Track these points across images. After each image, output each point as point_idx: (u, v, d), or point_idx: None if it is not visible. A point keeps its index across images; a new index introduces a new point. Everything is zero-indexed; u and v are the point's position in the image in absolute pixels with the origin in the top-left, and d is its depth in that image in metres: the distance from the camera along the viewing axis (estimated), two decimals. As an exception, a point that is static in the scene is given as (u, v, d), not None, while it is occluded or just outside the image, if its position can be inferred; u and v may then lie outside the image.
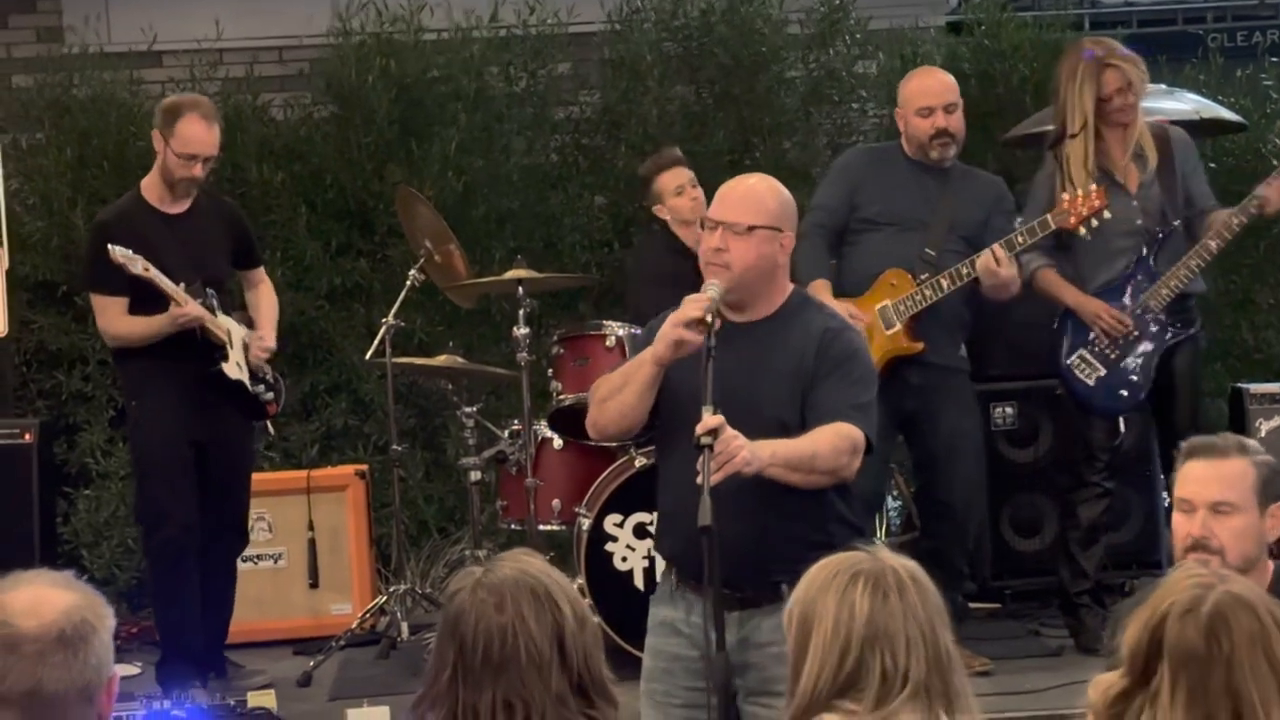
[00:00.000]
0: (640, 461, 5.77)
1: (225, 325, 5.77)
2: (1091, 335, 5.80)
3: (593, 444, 5.83)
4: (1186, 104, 7.00)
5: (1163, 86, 7.12)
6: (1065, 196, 5.64)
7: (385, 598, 6.46)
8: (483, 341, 7.45)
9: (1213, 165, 6.92)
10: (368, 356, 6.57)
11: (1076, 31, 8.17)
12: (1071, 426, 6.13)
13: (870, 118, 7.92)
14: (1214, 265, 7.24)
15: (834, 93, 7.92)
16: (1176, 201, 5.77)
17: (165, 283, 5.56)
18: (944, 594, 5.50)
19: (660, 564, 4.23)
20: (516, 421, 6.22)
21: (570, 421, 5.88)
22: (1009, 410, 6.69)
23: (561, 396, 6.04)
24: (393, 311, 6.44)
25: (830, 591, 2.58)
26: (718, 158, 7.28)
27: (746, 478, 3.62)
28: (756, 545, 3.48)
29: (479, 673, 2.48)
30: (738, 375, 3.78)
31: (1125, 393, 5.80)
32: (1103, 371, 5.80)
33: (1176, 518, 3.47)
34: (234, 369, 5.75)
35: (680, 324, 3.76)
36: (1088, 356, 5.82)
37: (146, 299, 5.62)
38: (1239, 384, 6.88)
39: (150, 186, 5.79)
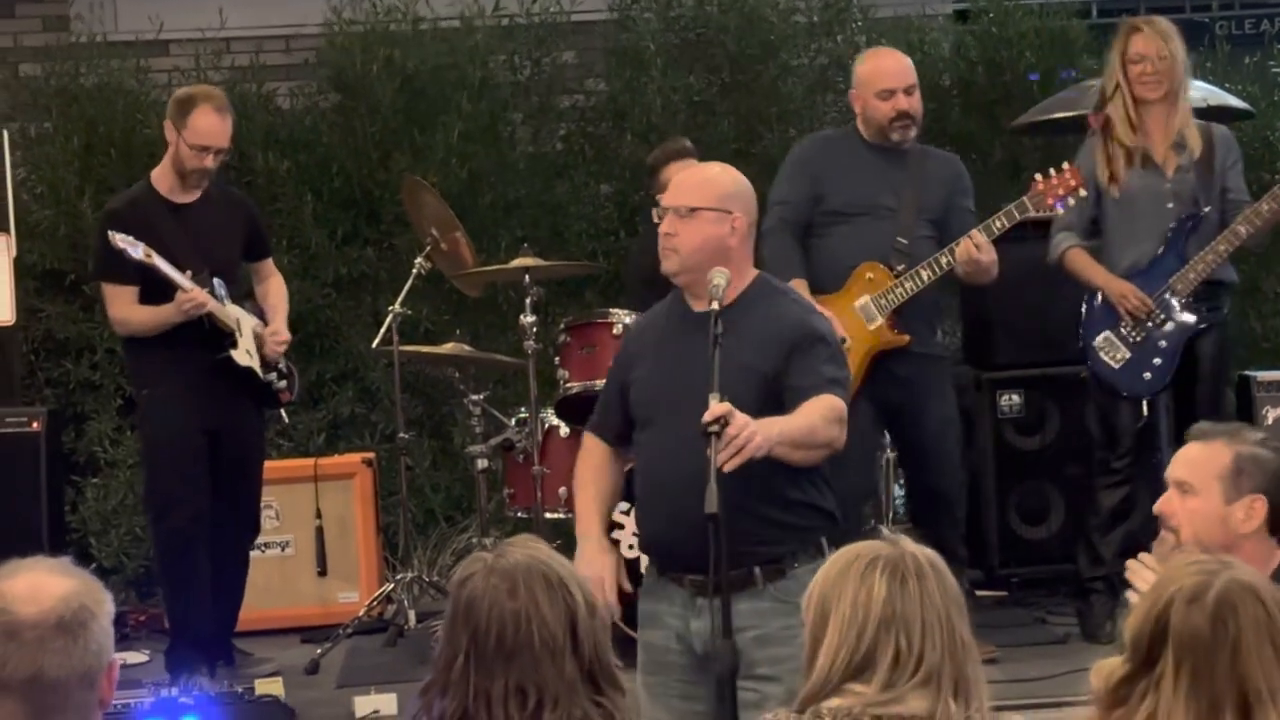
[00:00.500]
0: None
1: (234, 314, 5.77)
2: (1118, 317, 5.77)
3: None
4: (1194, 91, 6.94)
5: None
6: (1038, 178, 5.60)
7: (392, 586, 6.47)
8: (489, 330, 7.45)
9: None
10: (374, 345, 6.58)
11: (1083, 19, 8.16)
12: (1086, 412, 6.13)
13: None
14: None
15: (840, 81, 7.91)
16: (1211, 191, 5.72)
17: (168, 269, 5.56)
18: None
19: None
20: (523, 409, 6.23)
21: (577, 409, 5.88)
22: (1016, 398, 6.69)
23: (568, 384, 6.04)
24: (399, 300, 6.45)
25: (849, 576, 2.59)
26: (723, 146, 7.27)
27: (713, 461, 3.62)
28: (729, 531, 3.48)
29: (491, 659, 2.48)
30: (693, 363, 3.80)
31: (1149, 376, 5.76)
32: (1128, 354, 5.76)
33: None
34: (243, 356, 5.75)
35: None
36: (1113, 338, 5.78)
37: (156, 289, 5.63)
38: (1246, 372, 6.87)
39: (161, 176, 5.80)
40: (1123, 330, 5.76)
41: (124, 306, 5.71)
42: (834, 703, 2.55)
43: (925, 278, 5.59)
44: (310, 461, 6.86)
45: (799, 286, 5.49)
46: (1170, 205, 5.72)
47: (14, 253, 6.71)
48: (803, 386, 3.84)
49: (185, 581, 5.73)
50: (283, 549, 6.77)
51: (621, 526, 5.79)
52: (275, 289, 6.05)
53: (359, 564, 6.81)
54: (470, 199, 7.44)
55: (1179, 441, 5.70)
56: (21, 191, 7.47)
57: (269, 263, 6.11)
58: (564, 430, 6.10)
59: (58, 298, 7.50)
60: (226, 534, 5.83)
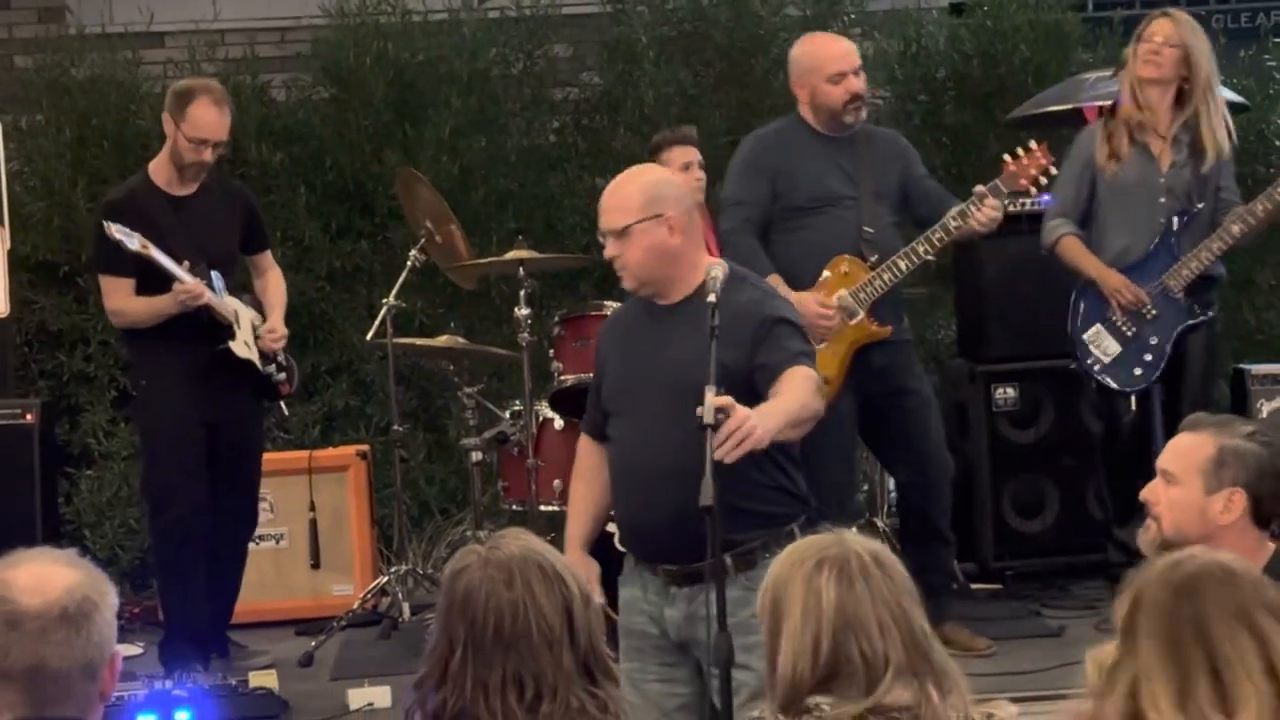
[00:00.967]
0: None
1: (231, 305, 5.77)
2: (1109, 310, 5.76)
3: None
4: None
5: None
6: (1008, 159, 5.57)
7: (387, 578, 6.47)
8: (484, 322, 7.45)
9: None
10: (369, 337, 6.57)
11: (1079, 13, 8.16)
12: (1077, 406, 6.13)
13: (869, 98, 7.87)
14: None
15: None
16: (1205, 188, 5.72)
17: (165, 260, 5.56)
18: (940, 561, 5.58)
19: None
20: (518, 402, 6.22)
21: (571, 402, 5.87)
22: (1010, 391, 6.68)
23: (563, 377, 6.03)
24: (393, 292, 6.44)
25: (796, 579, 2.59)
26: (716, 138, 7.27)
27: (686, 453, 3.63)
28: (700, 520, 3.49)
29: (489, 650, 2.48)
30: (662, 355, 3.88)
31: (1139, 371, 5.76)
32: (1118, 348, 5.76)
33: None
34: (241, 347, 5.75)
35: None
36: (1104, 331, 5.77)
37: (154, 280, 5.62)
38: (1241, 365, 6.88)
39: (159, 169, 5.79)
40: (1114, 324, 5.76)
41: (120, 298, 5.71)
42: (822, 699, 2.55)
43: (904, 268, 5.55)
44: (304, 454, 6.85)
45: (773, 283, 5.48)
46: (1163, 200, 5.72)
47: (7, 245, 6.70)
48: (772, 363, 3.88)
49: (181, 574, 5.72)
50: (277, 541, 6.76)
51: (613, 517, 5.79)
52: (273, 283, 6.04)
53: (353, 557, 6.81)
54: (464, 192, 7.43)
55: (1172, 434, 5.76)
56: (14, 183, 7.46)
57: (268, 255, 6.10)
58: (558, 423, 6.09)
59: (51, 289, 7.50)
60: (223, 526, 5.82)
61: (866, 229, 5.58)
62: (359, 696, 5.41)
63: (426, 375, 7.56)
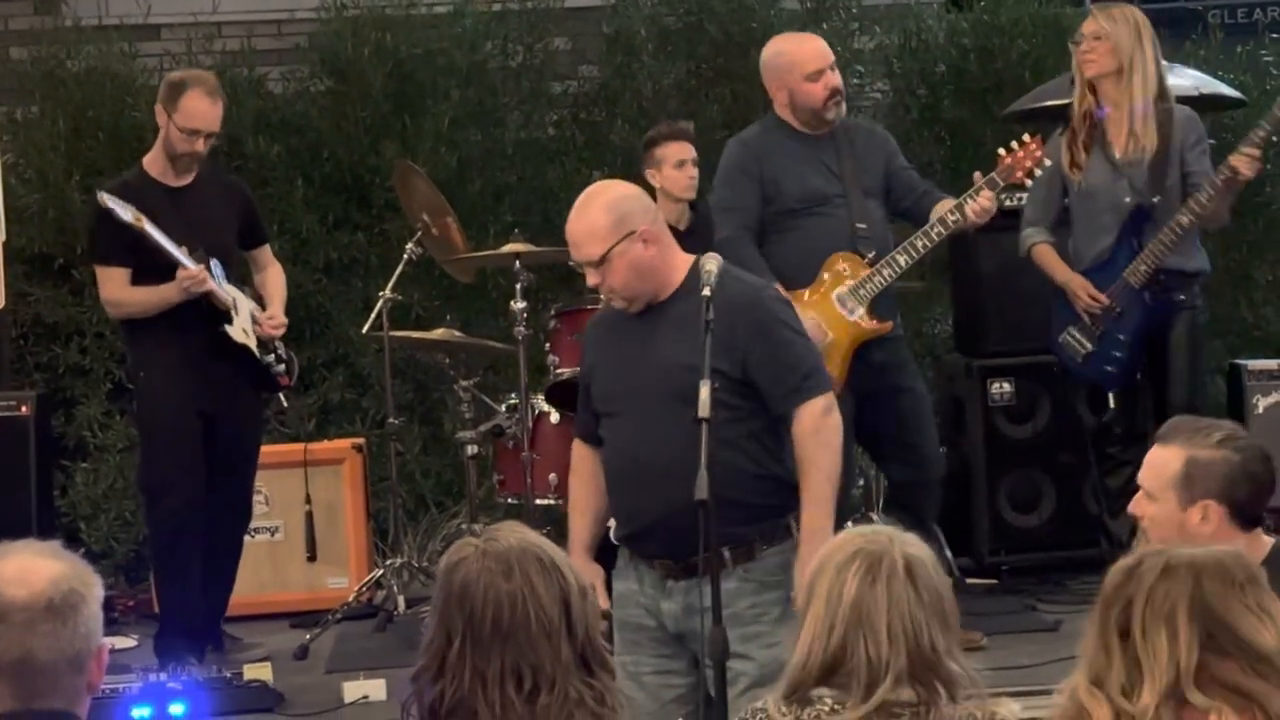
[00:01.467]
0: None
1: (231, 293, 5.76)
2: (1079, 312, 5.81)
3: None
4: (1186, 79, 6.98)
5: (1163, 61, 7.09)
6: (1002, 152, 5.59)
7: (382, 571, 6.46)
8: (480, 315, 7.44)
9: (1211, 141, 6.88)
10: (365, 330, 6.57)
11: (1076, 6, 8.15)
12: (1073, 401, 6.15)
13: (867, 93, 7.89)
14: (1212, 242, 7.26)
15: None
16: (1163, 180, 5.75)
17: (161, 239, 5.55)
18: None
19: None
20: (513, 395, 6.21)
21: (567, 395, 5.86)
22: (1006, 386, 6.68)
23: (558, 370, 6.03)
24: (390, 285, 6.44)
25: (829, 567, 2.61)
26: (713, 132, 7.26)
27: (681, 448, 3.63)
28: (694, 514, 3.50)
29: (488, 642, 2.47)
30: (645, 356, 3.91)
31: (1111, 368, 5.81)
32: (1090, 347, 5.82)
33: None
34: (239, 333, 5.74)
35: None
36: (1075, 333, 5.84)
37: (150, 271, 5.61)
38: (1237, 361, 6.89)
39: (153, 161, 5.79)
40: (1084, 324, 5.81)
41: (116, 288, 5.70)
42: (824, 691, 2.55)
43: (903, 263, 5.54)
44: (300, 447, 6.83)
45: None
46: (1126, 199, 5.75)
47: (2, 237, 6.68)
48: (777, 394, 3.92)
49: (177, 566, 5.72)
50: (272, 534, 6.75)
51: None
52: (273, 276, 6.04)
53: (348, 549, 6.80)
54: (461, 184, 7.43)
55: (1159, 428, 5.79)
56: (9, 175, 7.45)
57: (266, 250, 6.09)
58: (554, 416, 6.09)
59: (46, 282, 7.49)
60: (219, 519, 5.81)
61: (859, 225, 5.58)
62: (354, 689, 5.41)
63: (422, 368, 7.55)
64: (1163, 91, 5.77)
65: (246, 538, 6.11)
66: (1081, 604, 6.19)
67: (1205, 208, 5.65)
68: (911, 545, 2.63)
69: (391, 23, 7.65)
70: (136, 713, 4.81)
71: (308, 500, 6.72)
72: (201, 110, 5.67)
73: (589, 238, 3.91)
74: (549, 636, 2.48)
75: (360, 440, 7.01)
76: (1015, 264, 6.07)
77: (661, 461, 3.82)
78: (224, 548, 5.90)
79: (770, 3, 7.76)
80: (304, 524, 6.72)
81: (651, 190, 6.19)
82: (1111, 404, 5.88)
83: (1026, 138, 5.59)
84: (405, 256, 6.49)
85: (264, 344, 5.86)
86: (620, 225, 3.91)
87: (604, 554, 4.18)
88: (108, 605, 2.44)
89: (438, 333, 6.47)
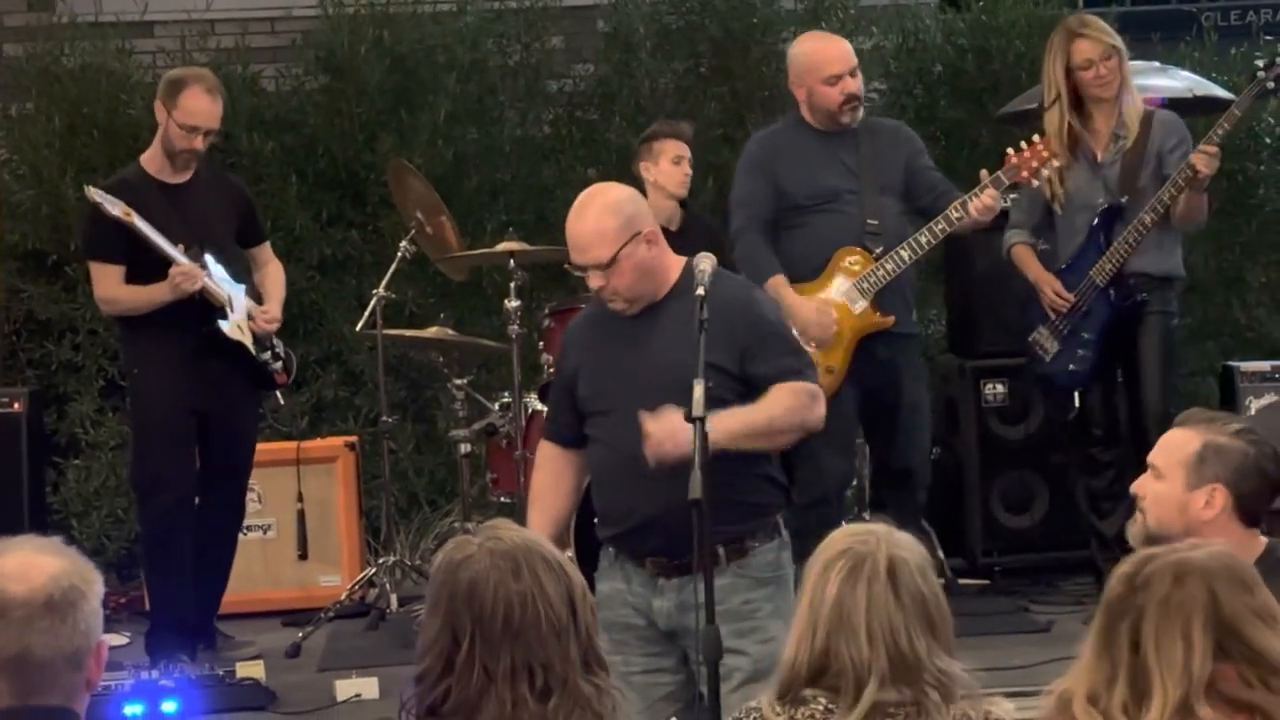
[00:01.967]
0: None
1: (226, 288, 5.76)
2: (1047, 311, 5.86)
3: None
4: (1180, 81, 7.00)
5: (1156, 64, 7.12)
6: (1011, 152, 5.63)
7: (374, 569, 6.46)
8: (474, 314, 7.43)
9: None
10: (358, 328, 6.56)
11: (1072, 9, 8.15)
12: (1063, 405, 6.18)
13: (864, 92, 7.87)
14: (1205, 244, 7.29)
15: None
16: (1135, 181, 5.78)
17: (151, 233, 5.54)
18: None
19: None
20: (507, 394, 6.21)
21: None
22: (1000, 387, 6.69)
23: (552, 369, 6.03)
24: (384, 283, 6.43)
25: (817, 564, 2.62)
26: (710, 130, 7.26)
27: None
28: (688, 512, 3.50)
29: (498, 641, 2.46)
30: (639, 355, 3.91)
31: (1075, 367, 5.88)
32: (1056, 346, 5.87)
33: None
34: (234, 329, 5.74)
35: None
36: (1044, 332, 5.91)
37: (144, 268, 5.60)
38: (1230, 362, 6.89)
39: (151, 158, 5.79)
40: (1053, 323, 5.87)
41: (110, 286, 5.69)
42: (817, 691, 2.56)
43: (906, 258, 5.60)
44: (293, 445, 6.83)
45: (778, 283, 5.54)
46: (1100, 199, 5.79)
47: (-4, 233, 6.69)
48: (759, 375, 3.93)
49: (169, 563, 5.71)
50: (264, 532, 6.75)
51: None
52: (272, 274, 6.03)
53: (341, 548, 6.79)
54: (456, 182, 7.42)
55: (1135, 432, 5.84)
56: (3, 172, 7.45)
57: (266, 248, 6.09)
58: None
59: (40, 278, 7.47)
60: (212, 517, 5.81)
61: (870, 221, 5.63)
62: (346, 687, 5.40)
63: (415, 366, 7.54)
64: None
65: (239, 536, 6.11)
66: (1074, 605, 6.22)
67: (1167, 206, 5.67)
68: (900, 547, 2.62)
69: (392, 19, 7.64)
70: (129, 710, 4.81)
71: (300, 498, 6.71)
72: (201, 107, 5.67)
73: (598, 240, 3.90)
74: (558, 635, 2.48)
75: (353, 438, 7.00)
76: (1009, 265, 6.08)
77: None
78: (217, 545, 5.90)
79: (770, 1, 7.76)
80: (296, 522, 6.71)
81: (641, 186, 6.22)
82: (1077, 403, 5.91)
83: (1036, 138, 5.63)
84: (399, 254, 6.49)
85: (260, 341, 5.85)
86: (627, 227, 3.91)
87: (587, 555, 4.18)
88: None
89: (431, 331, 6.46)
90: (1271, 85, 5.81)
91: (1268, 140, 7.72)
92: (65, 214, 7.27)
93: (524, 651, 2.46)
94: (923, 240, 5.59)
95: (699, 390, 3.60)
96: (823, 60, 5.66)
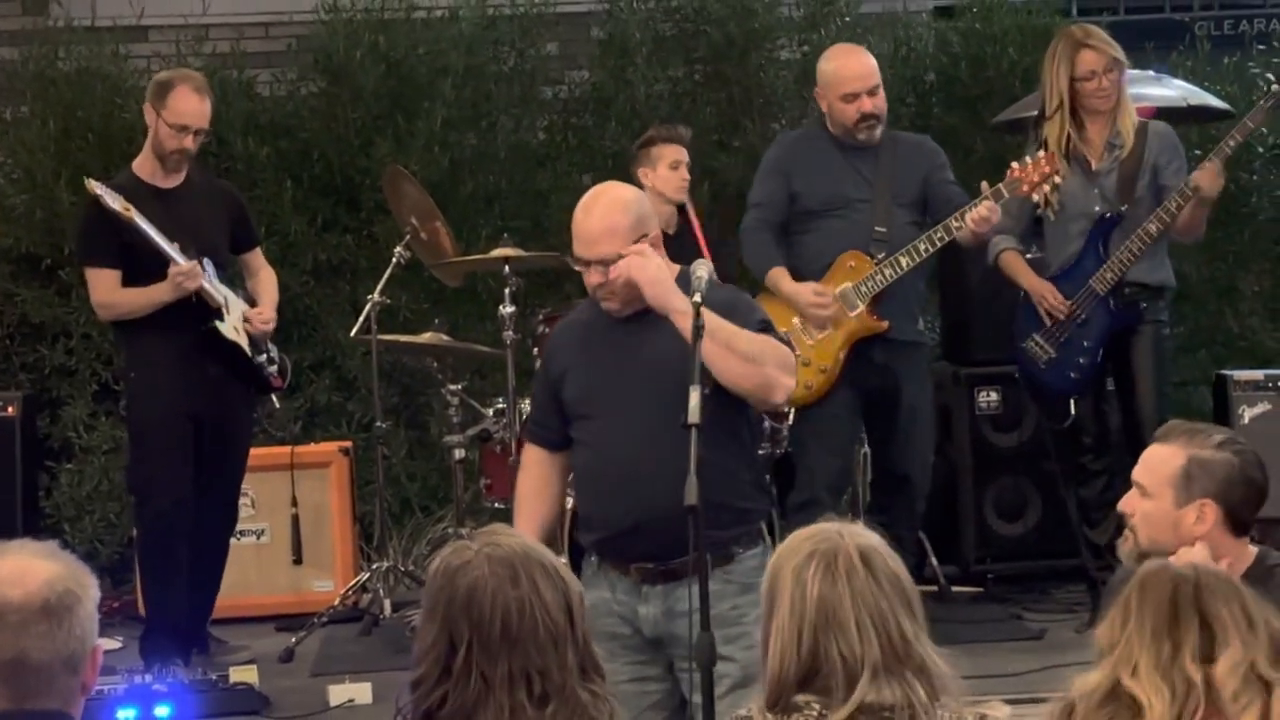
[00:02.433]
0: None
1: (223, 292, 5.76)
2: (1042, 319, 5.85)
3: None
4: (1174, 90, 7.01)
5: (1150, 72, 7.13)
6: (1015, 165, 5.65)
7: (368, 575, 6.46)
8: (468, 320, 7.44)
9: (1197, 152, 6.92)
10: (353, 333, 6.56)
11: (1065, 17, 8.17)
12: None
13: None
14: (1198, 253, 7.30)
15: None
16: (1131, 190, 5.80)
17: (151, 231, 5.54)
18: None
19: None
20: (501, 400, 6.22)
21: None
22: (993, 395, 6.70)
23: (545, 375, 6.02)
24: (378, 288, 6.43)
25: (788, 571, 2.60)
26: (706, 136, 7.27)
27: (667, 452, 3.62)
28: (677, 518, 3.50)
29: (496, 647, 2.46)
30: (631, 359, 3.91)
31: (1073, 375, 5.88)
32: (1052, 354, 5.88)
33: None
34: (230, 330, 5.74)
35: None
36: (1039, 339, 5.90)
37: (141, 272, 5.60)
38: (1223, 371, 6.91)
39: (143, 163, 5.80)
40: (1049, 331, 5.87)
41: (106, 290, 5.69)
42: (809, 698, 2.56)
43: (904, 264, 5.65)
44: (286, 450, 6.83)
45: (779, 274, 5.67)
46: (1097, 207, 5.81)
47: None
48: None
49: (165, 567, 5.71)
50: (258, 537, 6.75)
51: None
52: (265, 280, 6.05)
53: (334, 553, 6.80)
54: (451, 188, 7.43)
55: (1130, 441, 5.84)
56: (-3, 176, 7.46)
57: (258, 254, 6.10)
58: (542, 421, 6.08)
59: (34, 282, 7.47)
60: (205, 521, 5.80)
61: (879, 229, 5.71)
62: (339, 693, 5.40)
63: (409, 372, 7.54)
64: None
65: (233, 540, 6.11)
66: (1066, 612, 6.23)
67: (1174, 216, 5.69)
68: (861, 535, 2.63)
69: (388, 25, 7.65)
70: (122, 714, 4.80)
71: (294, 503, 6.71)
72: (190, 106, 5.68)
73: (609, 236, 3.90)
74: (556, 643, 2.48)
75: (347, 443, 7.01)
76: (998, 272, 6.09)
77: (644, 464, 3.81)
78: (210, 550, 5.90)
79: (769, 8, 7.77)
80: (290, 527, 6.72)
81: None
82: (1073, 410, 5.91)
83: (1041, 153, 5.66)
84: (394, 260, 6.49)
85: (256, 344, 5.85)
86: (638, 226, 3.92)
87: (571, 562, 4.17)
88: (91, 607, 2.44)
89: (425, 336, 6.46)
90: None
91: (1260, 150, 7.73)
92: (59, 218, 7.27)
93: (522, 658, 2.46)
94: (921, 248, 5.63)
95: (695, 397, 3.59)
96: (841, 78, 5.76)
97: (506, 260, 6.10)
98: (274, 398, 6.14)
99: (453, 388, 6.39)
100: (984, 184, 5.60)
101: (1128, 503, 3.49)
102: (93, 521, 7.24)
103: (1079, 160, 5.82)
